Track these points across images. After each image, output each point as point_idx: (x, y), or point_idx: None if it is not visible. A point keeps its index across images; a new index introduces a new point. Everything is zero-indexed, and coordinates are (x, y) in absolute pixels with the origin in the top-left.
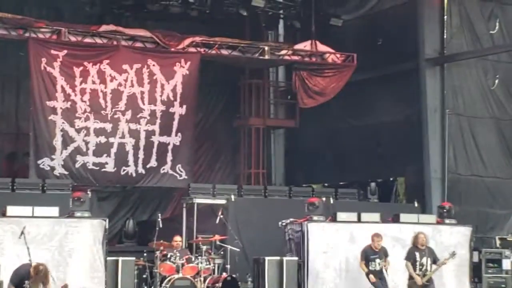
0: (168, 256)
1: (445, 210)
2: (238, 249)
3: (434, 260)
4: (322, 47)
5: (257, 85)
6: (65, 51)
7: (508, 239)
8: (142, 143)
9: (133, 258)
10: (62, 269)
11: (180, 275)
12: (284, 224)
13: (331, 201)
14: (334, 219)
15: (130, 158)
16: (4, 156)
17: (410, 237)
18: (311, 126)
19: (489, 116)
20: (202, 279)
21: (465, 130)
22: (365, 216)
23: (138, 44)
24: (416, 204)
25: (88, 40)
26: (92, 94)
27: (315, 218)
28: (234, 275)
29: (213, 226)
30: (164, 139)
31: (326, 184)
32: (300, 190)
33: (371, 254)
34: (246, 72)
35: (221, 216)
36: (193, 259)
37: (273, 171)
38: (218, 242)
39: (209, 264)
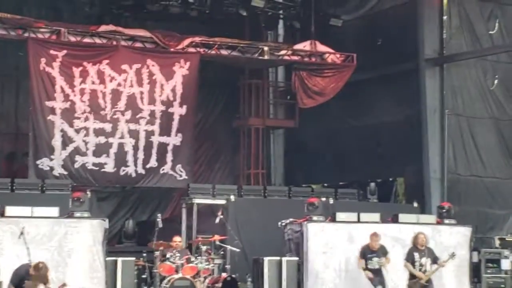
0: (168, 256)
1: (444, 210)
2: (238, 250)
3: (434, 260)
4: (321, 47)
5: (256, 85)
6: (65, 51)
7: (507, 239)
8: (141, 143)
9: (133, 258)
10: (62, 269)
11: (180, 275)
12: (283, 224)
13: (331, 201)
14: (333, 219)
15: (130, 158)
16: (3, 156)
17: (409, 237)
18: (311, 126)
19: (489, 116)
20: (202, 279)
21: (465, 130)
22: (364, 216)
23: (138, 44)
24: (415, 204)
25: (87, 40)
26: (92, 94)
27: (314, 218)
28: (233, 275)
29: (213, 226)
30: (164, 139)
31: (325, 184)
32: (299, 190)
33: (369, 253)
34: (246, 72)
35: (221, 217)
36: (192, 259)
37: (272, 171)
38: (217, 243)
39: (209, 264)
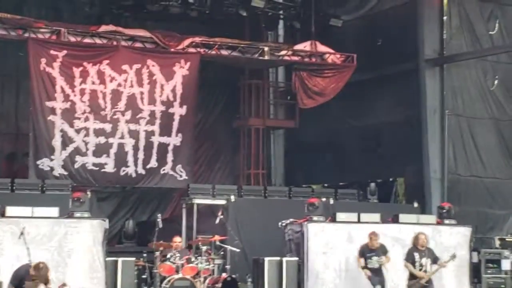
0: (168, 256)
1: (444, 211)
2: (238, 250)
3: (434, 261)
4: (322, 48)
5: (256, 86)
6: (65, 52)
7: (507, 239)
8: (141, 143)
9: (133, 259)
10: (62, 269)
11: (180, 275)
12: (284, 224)
13: (331, 201)
14: (333, 220)
15: (130, 158)
16: (4, 157)
17: (410, 237)
18: (311, 127)
19: (489, 116)
20: (202, 279)
21: (465, 130)
22: (365, 216)
23: (138, 45)
24: (415, 205)
25: (87, 40)
26: (92, 94)
27: (315, 218)
28: (234, 276)
29: (213, 226)
30: (164, 139)
31: (326, 185)
32: (300, 190)
33: (368, 252)
34: (246, 73)
35: (221, 217)
36: (193, 259)
37: (272, 171)
38: (218, 243)
39: (209, 264)
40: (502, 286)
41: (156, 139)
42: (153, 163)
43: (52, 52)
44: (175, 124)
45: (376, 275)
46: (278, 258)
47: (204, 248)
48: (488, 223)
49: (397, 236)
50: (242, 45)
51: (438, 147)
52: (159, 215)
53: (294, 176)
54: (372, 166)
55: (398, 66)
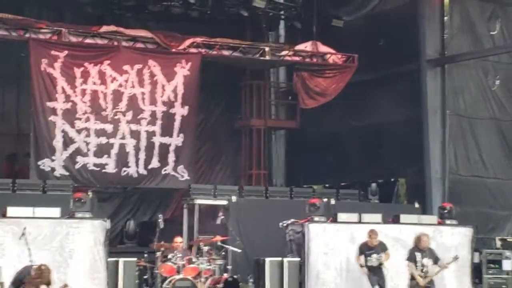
0: (169, 257)
1: (446, 211)
2: (239, 250)
3: (435, 261)
4: (323, 48)
5: (258, 86)
6: (66, 52)
7: (508, 240)
8: (143, 144)
9: (134, 259)
10: (63, 270)
11: (181, 276)
12: (285, 225)
13: (332, 201)
14: (335, 220)
15: (131, 159)
16: (5, 157)
17: (410, 237)
18: (312, 127)
19: (490, 117)
20: (203, 280)
21: (466, 131)
22: (366, 216)
23: (139, 45)
24: (417, 205)
25: (88, 40)
26: (93, 95)
27: (316, 219)
28: (235, 276)
29: (214, 227)
30: (166, 140)
31: (327, 185)
32: (301, 191)
33: (367, 250)
34: (247, 73)
35: (223, 217)
36: (194, 260)
37: (274, 172)
38: (219, 243)
39: (210, 265)
40: (503, 286)
41: (157, 140)
42: (154, 163)
43: (53, 52)
44: (177, 125)
45: (375, 274)
46: (279, 259)
47: (205, 248)
48: (490, 223)
49: (398, 236)
50: (243, 46)
51: (439, 147)
52: (160, 215)
53: (295, 176)
54: (373, 166)
55: (400, 67)
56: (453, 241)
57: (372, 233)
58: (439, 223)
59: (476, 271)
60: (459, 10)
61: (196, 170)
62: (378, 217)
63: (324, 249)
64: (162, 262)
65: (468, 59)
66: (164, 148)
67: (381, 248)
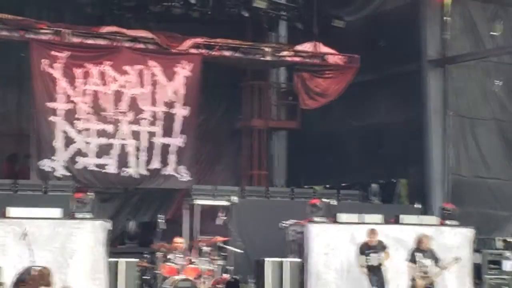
0: (170, 257)
1: (447, 212)
2: (240, 251)
3: (436, 262)
4: (324, 49)
5: (259, 87)
6: (66, 52)
7: (509, 240)
8: (143, 144)
9: (135, 260)
10: (64, 270)
11: (182, 276)
12: (286, 225)
13: (333, 202)
14: (335, 221)
15: (132, 159)
16: (6, 158)
17: (411, 238)
18: (313, 128)
19: (491, 117)
20: (204, 280)
21: (467, 131)
22: (367, 217)
23: (140, 46)
24: (418, 205)
25: (89, 41)
26: (93, 95)
27: (316, 219)
28: (236, 277)
29: (215, 227)
30: (166, 140)
31: (328, 186)
32: (302, 191)
33: (366, 249)
34: (248, 74)
35: (224, 218)
36: (194, 260)
37: (275, 172)
38: (220, 244)
39: (211, 265)
40: (504, 287)
41: (158, 140)
42: (155, 164)
43: (54, 53)
44: (178, 125)
45: (375, 274)
46: (280, 259)
47: (206, 249)
48: (491, 224)
49: (398, 237)
50: (244, 46)
51: (441, 148)
52: (161, 216)
53: (296, 177)
54: (374, 167)
55: (401, 67)
56: (454, 241)
57: (372, 232)
58: (440, 224)
59: (477, 272)
60: (460, 10)
61: (197, 171)
62: (379, 217)
63: (324, 249)
64: (163, 263)
65: (469, 60)
66: (165, 148)
67: (381, 247)
